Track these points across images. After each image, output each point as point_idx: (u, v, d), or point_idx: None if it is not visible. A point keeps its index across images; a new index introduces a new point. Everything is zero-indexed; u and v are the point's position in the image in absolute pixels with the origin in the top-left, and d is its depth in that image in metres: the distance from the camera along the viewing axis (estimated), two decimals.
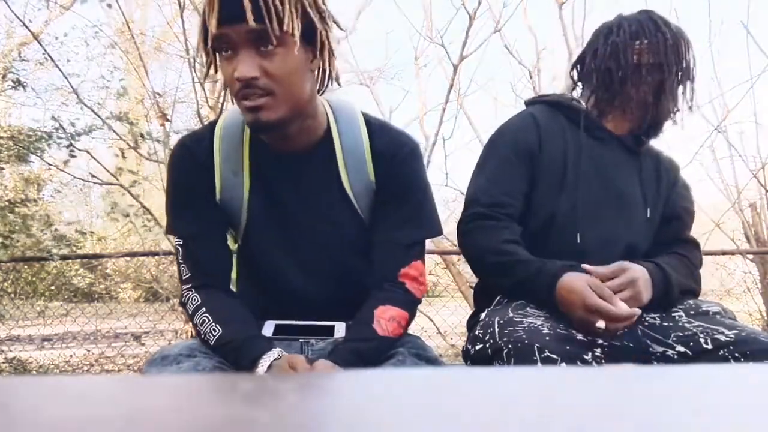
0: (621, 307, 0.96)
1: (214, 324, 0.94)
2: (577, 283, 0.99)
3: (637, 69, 1.14)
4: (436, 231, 1.09)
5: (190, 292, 0.99)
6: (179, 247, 1.01)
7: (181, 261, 1.01)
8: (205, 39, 0.88)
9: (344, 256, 1.06)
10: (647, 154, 1.23)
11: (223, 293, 1.00)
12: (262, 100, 0.87)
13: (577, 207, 1.15)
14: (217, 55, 0.91)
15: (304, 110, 0.95)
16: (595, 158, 1.18)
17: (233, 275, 1.10)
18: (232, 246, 1.09)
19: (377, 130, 1.04)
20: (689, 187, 1.29)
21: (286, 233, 1.03)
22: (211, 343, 0.94)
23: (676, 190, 1.24)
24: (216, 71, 0.95)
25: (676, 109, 1.17)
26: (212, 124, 1.04)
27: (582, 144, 1.19)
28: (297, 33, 0.86)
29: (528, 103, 1.31)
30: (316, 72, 0.96)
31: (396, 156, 1.03)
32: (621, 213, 1.18)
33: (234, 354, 0.92)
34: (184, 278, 1.01)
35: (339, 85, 1.01)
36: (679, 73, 1.14)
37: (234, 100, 0.91)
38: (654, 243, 1.21)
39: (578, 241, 1.13)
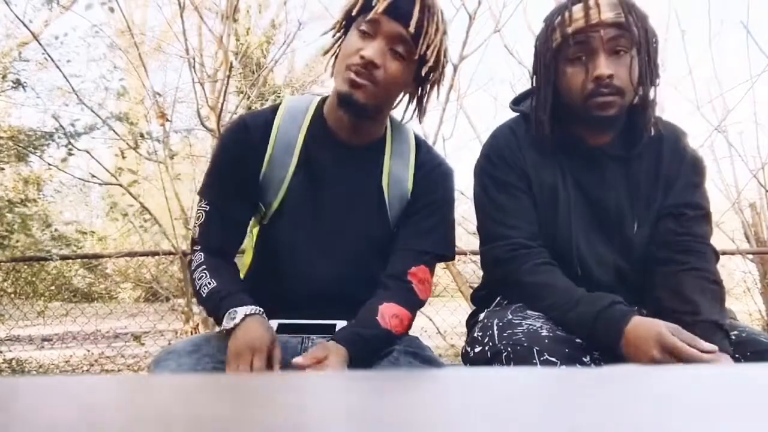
0: (703, 347, 0.85)
1: (209, 279, 1.00)
2: (652, 322, 0.90)
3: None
4: (450, 254, 1.15)
5: (199, 252, 1.05)
6: (203, 212, 1.07)
7: (201, 224, 1.06)
8: (351, 13, 1.00)
9: (365, 255, 1.09)
10: (645, 151, 1.11)
11: (225, 261, 1.07)
12: (367, 82, 0.97)
13: (572, 233, 1.08)
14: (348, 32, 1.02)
15: (381, 114, 1.07)
16: (575, 177, 1.10)
17: (247, 261, 1.16)
18: (254, 228, 1.14)
19: (424, 148, 1.15)
20: (697, 168, 1.12)
21: (316, 220, 1.07)
22: (203, 295, 0.99)
23: (677, 185, 1.10)
24: (338, 42, 1.05)
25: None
26: (275, 106, 1.11)
27: (562, 163, 1.11)
28: (433, 60, 1.00)
29: (512, 105, 1.22)
30: (406, 97, 1.09)
31: (433, 173, 1.12)
32: (606, 234, 1.10)
33: (216, 303, 0.97)
34: (196, 239, 1.07)
35: (420, 121, 1.13)
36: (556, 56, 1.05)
37: (339, 68, 1.01)
38: (660, 244, 1.08)
39: (579, 273, 1.07)
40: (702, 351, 0.84)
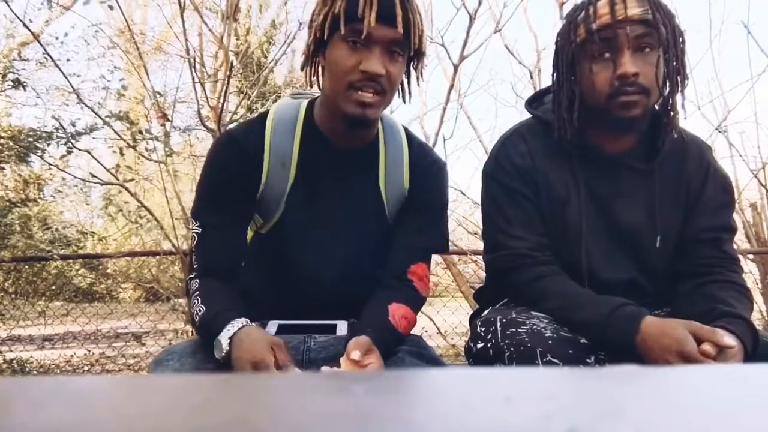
0: (724, 341, 0.84)
1: (201, 305, 0.96)
2: (670, 324, 0.88)
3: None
4: (445, 247, 1.17)
5: (194, 281, 1.01)
6: (196, 235, 1.03)
7: (196, 246, 1.03)
8: (330, 25, 0.94)
9: (367, 256, 1.09)
10: (667, 162, 1.07)
11: (220, 281, 1.01)
12: (376, 98, 0.95)
13: (582, 243, 1.05)
14: (328, 44, 0.97)
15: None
16: (589, 186, 1.07)
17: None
18: (251, 234, 1.11)
19: (416, 144, 1.14)
20: (727, 188, 1.10)
21: (317, 228, 1.06)
22: (197, 324, 0.95)
23: (708, 205, 1.07)
24: (312, 58, 1.00)
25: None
26: (262, 116, 1.07)
27: (575, 171, 1.07)
28: (425, 49, 0.99)
29: (528, 104, 1.19)
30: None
31: (428, 170, 1.12)
32: (621, 245, 1.07)
33: (207, 328, 0.93)
34: (193, 267, 1.03)
35: (404, 102, 1.09)
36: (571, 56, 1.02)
37: (336, 87, 0.96)
38: (693, 264, 1.06)
39: (587, 284, 1.05)
40: (722, 346, 0.84)
